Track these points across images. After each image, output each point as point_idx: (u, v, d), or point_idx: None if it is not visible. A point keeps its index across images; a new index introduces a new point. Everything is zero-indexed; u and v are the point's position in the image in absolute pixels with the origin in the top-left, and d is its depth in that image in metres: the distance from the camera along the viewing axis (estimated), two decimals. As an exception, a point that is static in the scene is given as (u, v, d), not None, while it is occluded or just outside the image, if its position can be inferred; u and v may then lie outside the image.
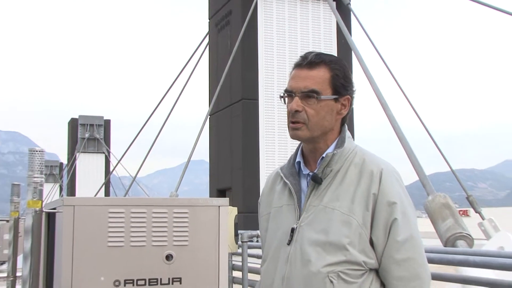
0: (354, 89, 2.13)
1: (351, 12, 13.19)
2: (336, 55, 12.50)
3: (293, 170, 2.15)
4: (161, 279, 2.72)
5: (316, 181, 2.04)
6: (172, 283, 2.73)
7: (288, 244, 2.04)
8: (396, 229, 1.97)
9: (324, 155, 2.06)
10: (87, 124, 41.93)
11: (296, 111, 2.04)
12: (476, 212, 9.75)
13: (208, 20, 15.10)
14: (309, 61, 2.06)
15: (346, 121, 2.16)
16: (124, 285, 2.67)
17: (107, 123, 42.80)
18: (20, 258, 3.45)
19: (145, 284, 2.69)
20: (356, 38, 12.20)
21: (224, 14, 14.05)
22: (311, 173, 2.08)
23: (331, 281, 1.93)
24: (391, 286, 2.00)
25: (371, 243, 1.99)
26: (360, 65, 9.24)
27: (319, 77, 2.05)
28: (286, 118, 2.12)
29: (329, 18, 13.39)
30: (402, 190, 2.04)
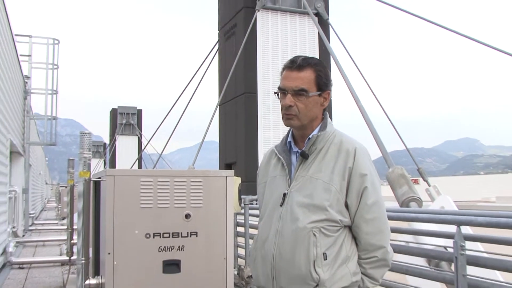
0: (332, 84, 2.14)
1: (330, 25, 13.14)
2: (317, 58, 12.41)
3: (285, 148, 2.16)
4: (181, 233, 2.72)
5: (304, 156, 2.06)
6: (190, 236, 2.74)
7: (281, 205, 2.06)
8: (366, 195, 2.00)
9: (310, 137, 2.07)
10: (124, 113, 41.85)
11: (290, 106, 2.04)
12: (424, 180, 9.77)
13: (218, 31, 15.01)
14: (298, 65, 2.06)
15: (327, 109, 2.17)
16: (153, 237, 2.68)
17: (139, 112, 42.68)
18: (75, 215, 3.46)
19: (169, 237, 2.70)
20: (333, 45, 12.12)
21: (231, 26, 13.96)
22: (299, 151, 2.09)
23: (314, 234, 1.96)
24: (361, 239, 2.03)
25: (346, 205, 2.01)
26: (337, 66, 9.20)
27: (307, 77, 2.05)
28: (279, 108, 2.13)
29: (312, 30, 13.29)
30: (371, 164, 2.06)
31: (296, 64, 2.06)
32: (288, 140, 2.16)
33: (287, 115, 2.06)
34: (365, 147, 2.10)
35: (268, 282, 2.04)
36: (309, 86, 2.04)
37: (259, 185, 2.28)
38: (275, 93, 2.12)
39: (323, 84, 2.07)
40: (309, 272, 1.93)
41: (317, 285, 1.93)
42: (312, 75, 2.05)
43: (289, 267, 1.97)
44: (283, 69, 2.11)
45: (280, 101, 2.09)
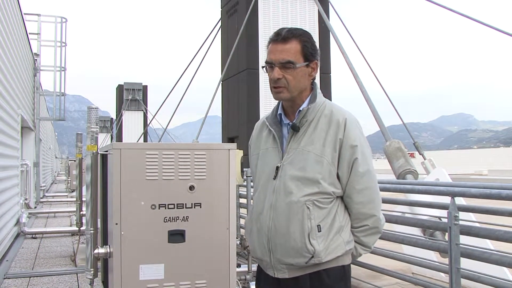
0: (319, 54, 2.07)
1: (329, 3, 12.96)
2: (317, 35, 12.22)
3: (276, 120, 2.11)
4: (185, 204, 2.72)
5: (295, 129, 2.01)
6: (194, 207, 2.73)
7: (274, 178, 2.02)
8: (357, 166, 1.96)
9: (300, 109, 2.02)
10: (130, 89, 41.57)
11: (278, 79, 1.99)
12: (420, 154, 9.73)
13: (221, 9, 14.82)
14: (283, 37, 1.98)
15: (315, 79, 2.11)
16: (158, 208, 2.67)
17: (144, 87, 42.36)
18: (84, 188, 3.46)
19: (174, 208, 2.69)
20: (333, 22, 11.97)
21: (233, 4, 13.77)
22: (290, 123, 2.04)
23: (308, 208, 1.93)
24: (352, 209, 2.01)
25: (338, 177, 1.98)
26: (336, 43, 9.09)
27: (293, 49, 1.97)
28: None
29: (313, 7, 13.10)
30: (361, 134, 2.01)
31: (281, 37, 1.99)
32: (279, 112, 2.10)
33: (276, 88, 2.00)
34: (355, 117, 2.04)
35: (265, 254, 2.02)
36: (296, 58, 1.97)
37: (252, 156, 2.24)
38: (263, 67, 2.06)
39: (309, 54, 2.00)
40: (304, 244, 1.91)
41: (312, 257, 1.91)
42: (298, 46, 1.98)
43: (284, 240, 1.95)
44: (269, 42, 2.04)
45: (268, 75, 2.03)
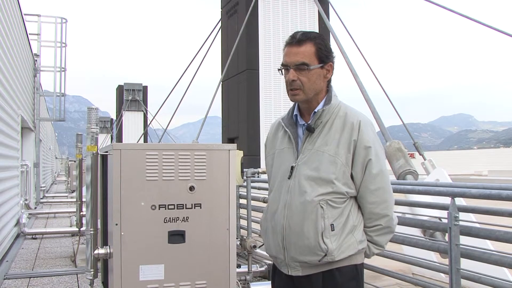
0: (334, 56, 2.10)
1: (329, 3, 12.97)
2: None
3: (291, 121, 2.16)
4: (185, 204, 2.72)
5: (310, 130, 2.05)
6: (194, 208, 2.74)
7: (289, 178, 2.06)
8: (371, 167, 2.01)
9: (316, 110, 2.06)
10: (130, 89, 41.53)
11: (293, 80, 2.02)
12: (420, 154, 9.73)
13: (221, 9, 14.83)
14: (298, 40, 2.03)
15: (331, 81, 2.14)
16: (159, 209, 2.68)
17: (145, 88, 42.32)
18: (84, 188, 3.47)
19: (174, 208, 2.70)
20: (333, 22, 11.96)
21: (233, 4, 13.77)
22: (305, 124, 2.08)
23: (322, 207, 1.97)
24: (366, 209, 2.05)
25: (352, 177, 2.02)
26: (336, 43, 9.09)
27: (307, 51, 2.01)
28: (280, 84, 2.10)
29: (313, 7, 13.11)
30: (375, 136, 2.06)
31: (296, 40, 2.03)
32: (295, 113, 2.14)
33: (292, 90, 2.04)
34: (369, 119, 2.08)
35: (279, 252, 2.06)
36: (310, 60, 2.01)
37: (267, 156, 2.27)
38: (279, 69, 2.10)
39: (324, 57, 2.04)
40: (318, 243, 1.95)
41: (325, 255, 1.95)
42: (312, 48, 2.02)
43: (298, 238, 1.98)
44: (285, 45, 2.08)
45: (284, 77, 2.08)
